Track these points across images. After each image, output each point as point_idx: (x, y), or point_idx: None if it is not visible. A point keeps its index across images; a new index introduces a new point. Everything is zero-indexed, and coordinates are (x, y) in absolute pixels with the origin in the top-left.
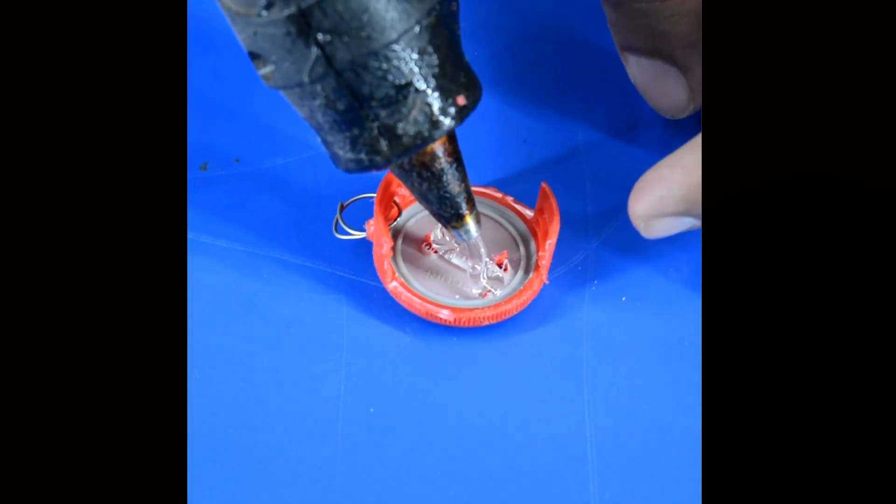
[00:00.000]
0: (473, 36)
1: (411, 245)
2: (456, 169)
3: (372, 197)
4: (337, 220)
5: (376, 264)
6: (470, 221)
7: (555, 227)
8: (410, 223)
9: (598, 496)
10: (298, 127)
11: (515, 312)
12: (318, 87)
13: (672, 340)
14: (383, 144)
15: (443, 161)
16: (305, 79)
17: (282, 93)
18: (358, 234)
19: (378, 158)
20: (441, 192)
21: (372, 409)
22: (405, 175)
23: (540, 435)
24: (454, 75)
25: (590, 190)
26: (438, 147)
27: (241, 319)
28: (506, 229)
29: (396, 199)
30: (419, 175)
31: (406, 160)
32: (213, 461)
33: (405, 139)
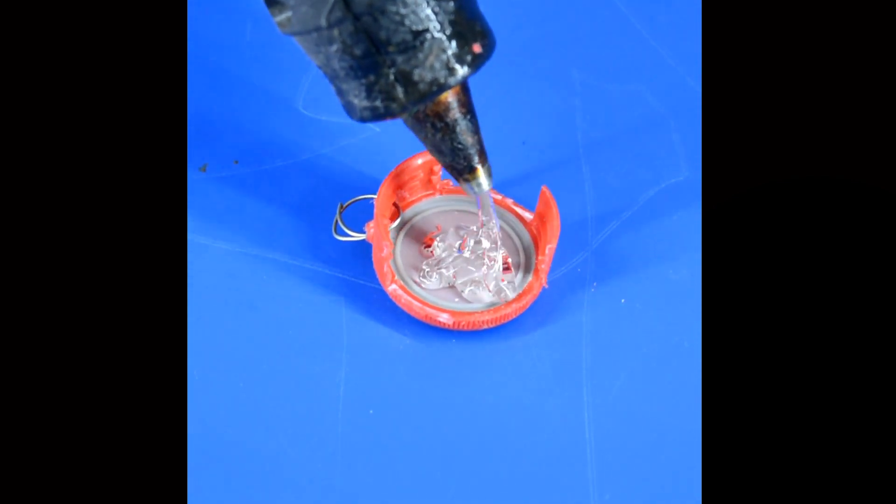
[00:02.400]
0: None
1: (411, 246)
2: (469, 120)
3: (371, 198)
4: (336, 221)
5: (376, 267)
6: (482, 174)
7: (555, 232)
8: (409, 224)
9: (597, 497)
10: (298, 128)
11: (515, 316)
12: (336, 32)
13: (672, 342)
14: (399, 91)
15: (457, 111)
16: (323, 23)
17: (296, 39)
18: (357, 236)
19: (394, 105)
20: (454, 144)
21: (371, 411)
22: (419, 125)
23: (540, 436)
24: (470, 23)
25: (589, 192)
26: (453, 96)
27: (240, 321)
28: (505, 231)
29: (396, 201)
30: (433, 125)
31: (421, 109)
32: (212, 462)
33: (421, 86)
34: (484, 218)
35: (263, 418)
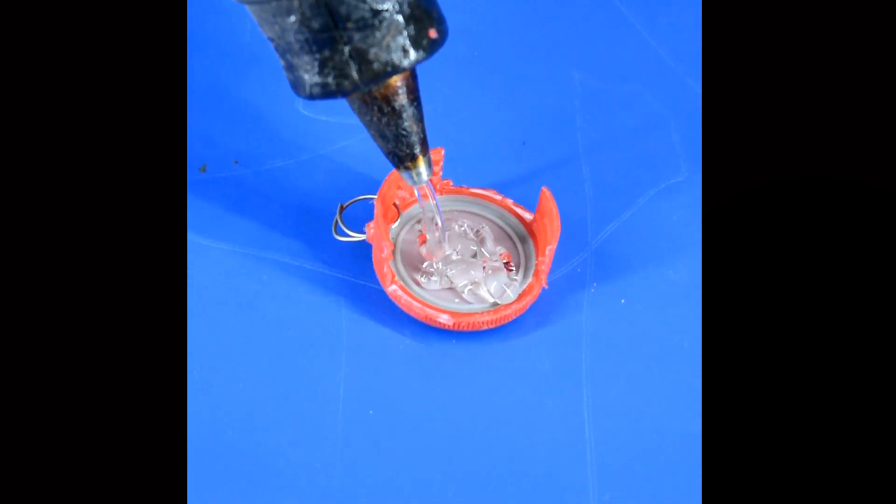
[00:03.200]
0: (474, 36)
1: (411, 247)
2: (416, 107)
3: (371, 198)
4: (336, 221)
5: (376, 267)
6: (422, 163)
7: (555, 233)
8: (409, 225)
9: (597, 497)
10: (298, 128)
11: (515, 317)
12: (296, 3)
13: (672, 342)
14: (353, 69)
15: (405, 96)
16: None
17: (250, 9)
18: (358, 236)
19: (346, 83)
20: (399, 130)
21: (371, 411)
22: (365, 108)
23: (539, 437)
24: (428, 7)
25: (589, 193)
26: (402, 81)
27: (240, 321)
28: (505, 232)
29: (396, 201)
30: (380, 109)
31: (370, 91)
32: (212, 462)
33: (376, 65)
34: (426, 210)
35: (263, 418)
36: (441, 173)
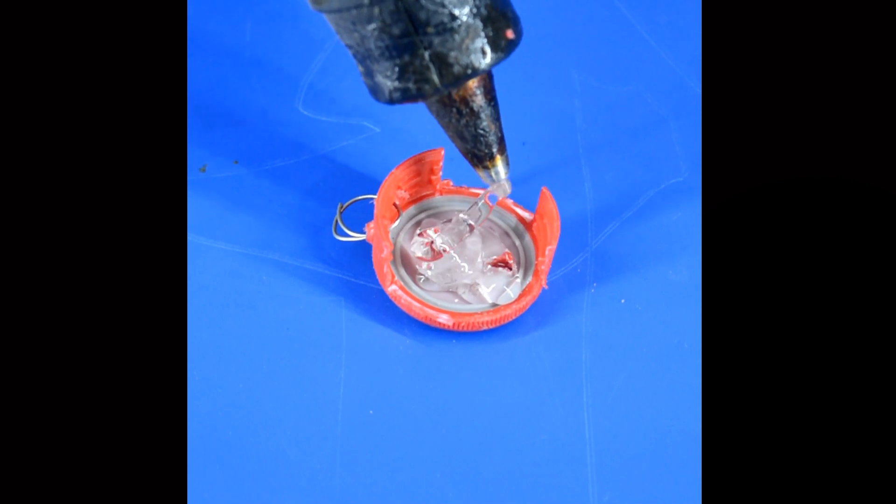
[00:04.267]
0: None
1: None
2: (493, 107)
3: (371, 198)
4: (336, 221)
5: (376, 267)
6: (500, 162)
7: (555, 233)
8: (409, 225)
9: (597, 497)
10: (298, 128)
11: (514, 317)
12: (376, 10)
13: (672, 342)
14: (433, 73)
15: (482, 97)
16: (365, 0)
17: (328, 17)
18: (358, 236)
19: (427, 87)
20: (477, 130)
21: (371, 412)
22: (444, 110)
23: (539, 437)
24: (504, 8)
25: (589, 193)
26: (480, 82)
27: (240, 321)
28: (506, 232)
29: (396, 201)
30: (458, 111)
31: (449, 94)
32: (212, 462)
33: (456, 69)
34: (482, 209)
35: (263, 418)
36: (441, 173)
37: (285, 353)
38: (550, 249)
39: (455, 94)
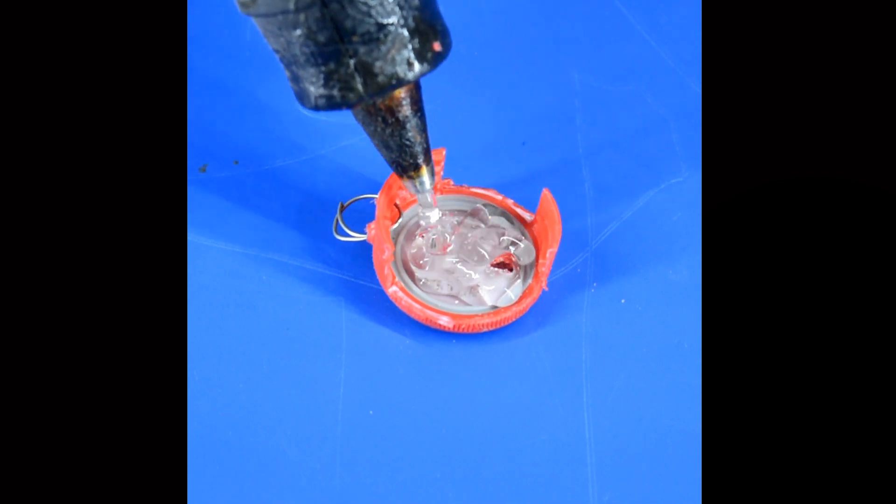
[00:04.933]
0: (474, 36)
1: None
2: (420, 118)
3: (372, 198)
4: (337, 220)
5: (376, 268)
6: (425, 173)
7: (556, 235)
8: (410, 225)
9: (597, 497)
10: (298, 128)
11: (514, 319)
12: (302, 17)
13: (672, 342)
14: (358, 82)
15: (409, 108)
16: (291, 6)
17: (256, 21)
18: (358, 237)
19: (351, 95)
20: (402, 140)
21: (371, 412)
22: (369, 119)
23: (539, 437)
24: (432, 21)
25: (589, 193)
26: (406, 93)
27: (240, 321)
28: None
29: (397, 201)
30: (384, 120)
31: (374, 103)
32: (212, 462)
33: (381, 78)
34: (422, 218)
35: (263, 418)
36: (442, 173)
37: (285, 353)
38: (551, 252)
39: (380, 103)
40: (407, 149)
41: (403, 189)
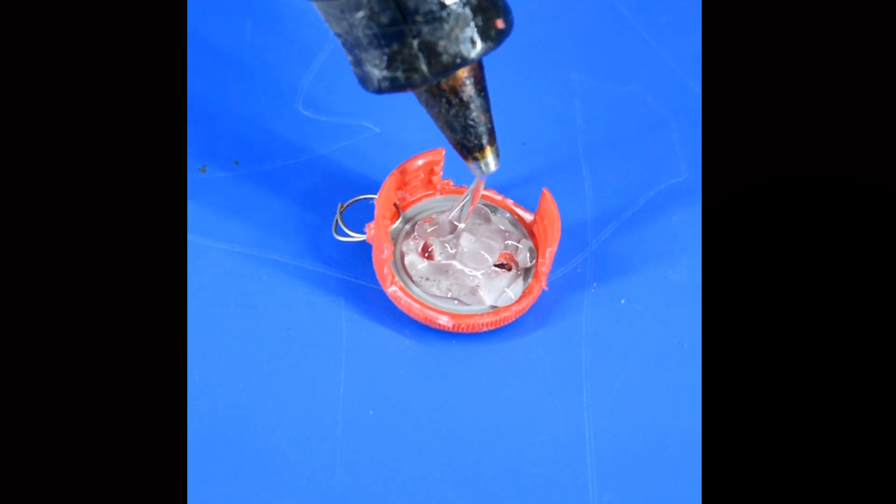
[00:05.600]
0: None
1: (412, 247)
2: (483, 98)
3: (372, 198)
4: (337, 220)
5: (376, 268)
6: (490, 153)
7: (555, 235)
8: (409, 225)
9: (597, 497)
10: (298, 128)
11: (514, 318)
12: None
13: (672, 342)
14: (422, 62)
15: (472, 87)
16: None
17: (317, 5)
18: (358, 236)
19: (416, 76)
20: (467, 121)
21: (371, 412)
22: (433, 100)
23: (539, 437)
24: None
25: (589, 193)
26: (470, 72)
27: (240, 321)
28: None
29: (397, 201)
30: (448, 101)
31: (438, 83)
32: (212, 462)
33: (445, 58)
34: (463, 203)
35: (263, 418)
36: (441, 173)
37: (285, 353)
38: (551, 251)
39: (444, 83)
40: (472, 129)
41: (402, 189)
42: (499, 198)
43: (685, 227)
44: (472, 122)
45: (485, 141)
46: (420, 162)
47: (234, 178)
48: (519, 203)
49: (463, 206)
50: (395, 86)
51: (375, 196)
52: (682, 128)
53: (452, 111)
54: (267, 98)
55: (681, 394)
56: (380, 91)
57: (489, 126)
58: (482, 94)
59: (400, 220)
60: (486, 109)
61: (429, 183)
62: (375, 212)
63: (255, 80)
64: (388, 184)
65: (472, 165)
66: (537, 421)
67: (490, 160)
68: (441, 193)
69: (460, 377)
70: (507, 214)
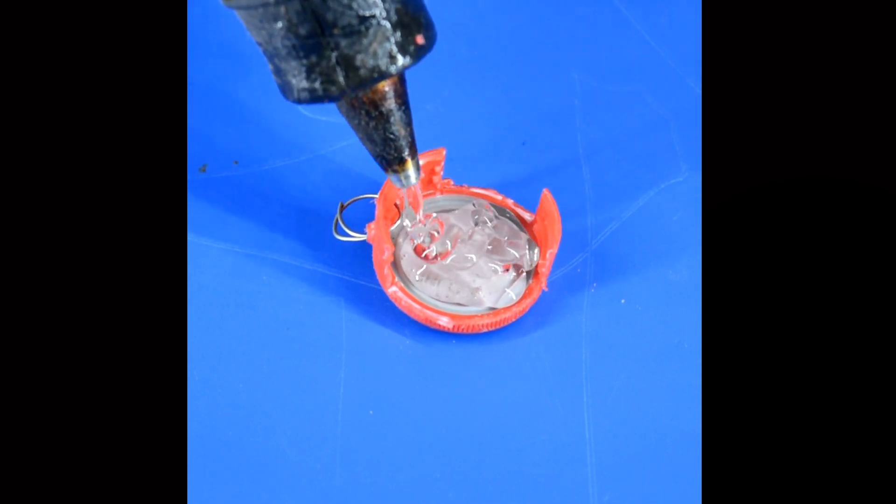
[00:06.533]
0: (474, 36)
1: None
2: (404, 111)
3: (372, 198)
4: (337, 220)
5: (376, 269)
6: (411, 166)
7: (555, 235)
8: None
9: (597, 497)
10: (298, 128)
11: (514, 319)
12: (282, 9)
13: (671, 342)
14: (340, 75)
15: (392, 101)
16: None
17: (238, 14)
18: (358, 236)
19: (333, 89)
20: (387, 134)
21: (371, 412)
22: (353, 112)
23: (539, 437)
24: (415, 14)
25: (589, 193)
26: (390, 86)
27: (240, 321)
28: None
29: (397, 201)
30: (367, 113)
31: (357, 96)
32: (212, 463)
33: (362, 71)
34: (409, 215)
35: (263, 418)
36: (442, 173)
37: (285, 353)
38: (551, 253)
39: (364, 96)
40: (391, 142)
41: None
42: (499, 198)
43: (685, 227)
44: (391, 136)
45: (405, 154)
46: (420, 162)
47: (234, 178)
48: (519, 203)
49: (408, 212)
50: (313, 97)
51: (375, 196)
52: (682, 128)
53: (372, 123)
54: (267, 98)
55: (681, 394)
56: (299, 101)
57: (410, 140)
58: (403, 107)
59: (400, 220)
60: (408, 123)
61: (429, 182)
62: (376, 212)
63: (254, 79)
64: (389, 184)
65: (392, 178)
66: (537, 421)
67: (410, 173)
68: (441, 193)
69: (460, 377)
70: (508, 213)
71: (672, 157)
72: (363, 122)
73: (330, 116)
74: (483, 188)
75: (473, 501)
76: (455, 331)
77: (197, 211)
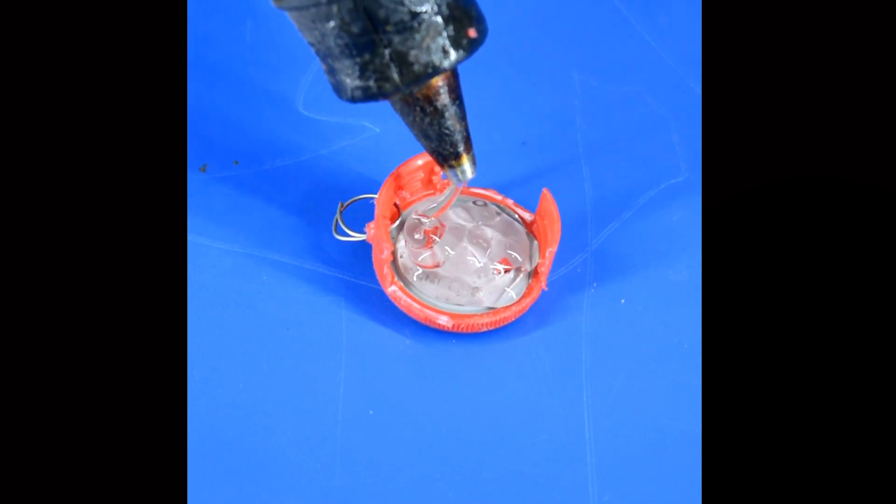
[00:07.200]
0: None
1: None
2: (458, 105)
3: (371, 198)
4: (337, 220)
5: (376, 268)
6: (466, 161)
7: (555, 235)
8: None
9: (597, 497)
10: (298, 128)
11: (514, 319)
12: (335, 8)
13: (672, 342)
14: (394, 72)
15: (446, 96)
16: None
17: (290, 15)
18: (358, 236)
19: (387, 86)
20: (442, 129)
21: (371, 412)
22: (407, 109)
23: (539, 437)
24: (466, 7)
25: (589, 193)
26: (444, 81)
27: (240, 321)
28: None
29: (397, 201)
30: (422, 109)
31: (412, 92)
32: (212, 463)
33: (416, 67)
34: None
35: (263, 418)
36: (442, 173)
37: (285, 353)
38: (551, 252)
39: (418, 92)
40: (447, 137)
41: (402, 189)
42: (499, 198)
43: (685, 227)
44: (447, 131)
45: (461, 149)
46: (420, 162)
47: (234, 178)
48: (519, 203)
49: (436, 206)
50: (367, 95)
51: (375, 196)
52: (682, 128)
53: (427, 119)
54: (267, 97)
55: (681, 394)
56: (353, 100)
57: (465, 134)
58: (457, 102)
59: (400, 219)
60: (462, 117)
61: (429, 183)
62: (375, 212)
63: (255, 79)
64: (388, 184)
65: (448, 173)
66: (537, 421)
67: (467, 167)
68: (441, 193)
69: (460, 377)
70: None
71: (672, 157)
72: (418, 119)
73: (331, 116)
74: (483, 188)
75: (473, 501)
76: (455, 330)
77: (197, 211)
